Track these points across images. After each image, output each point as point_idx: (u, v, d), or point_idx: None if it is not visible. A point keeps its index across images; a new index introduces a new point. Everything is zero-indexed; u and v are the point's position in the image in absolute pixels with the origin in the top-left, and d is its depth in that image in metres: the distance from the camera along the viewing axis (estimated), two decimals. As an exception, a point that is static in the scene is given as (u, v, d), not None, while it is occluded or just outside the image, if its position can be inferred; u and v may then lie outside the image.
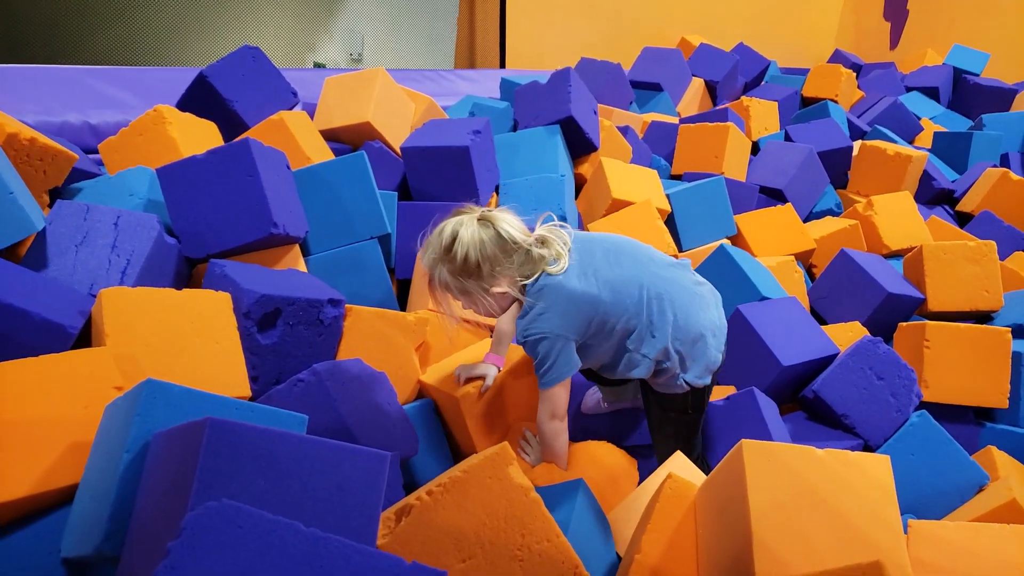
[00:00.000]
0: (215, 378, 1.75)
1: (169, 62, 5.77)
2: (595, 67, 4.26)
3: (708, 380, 1.81)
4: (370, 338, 2.07)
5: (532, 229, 1.77)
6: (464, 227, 1.68)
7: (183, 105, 2.73)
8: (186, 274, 2.14)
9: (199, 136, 2.51)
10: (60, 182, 2.15)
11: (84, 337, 1.75)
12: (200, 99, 2.74)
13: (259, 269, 2.04)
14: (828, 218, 3.44)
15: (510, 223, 1.72)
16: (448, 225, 1.70)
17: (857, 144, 4.01)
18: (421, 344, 2.21)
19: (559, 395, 1.78)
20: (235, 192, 2.07)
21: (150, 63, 5.17)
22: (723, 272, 2.57)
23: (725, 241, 3.10)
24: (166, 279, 2.03)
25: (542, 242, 1.73)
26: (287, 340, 1.95)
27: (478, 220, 1.70)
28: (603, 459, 1.89)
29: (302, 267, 2.27)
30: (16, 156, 1.95)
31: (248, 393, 1.77)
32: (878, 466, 1.23)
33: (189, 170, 2.10)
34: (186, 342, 1.75)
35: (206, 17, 6.09)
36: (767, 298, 2.47)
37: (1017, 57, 5.50)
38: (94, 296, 1.85)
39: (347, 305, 2.09)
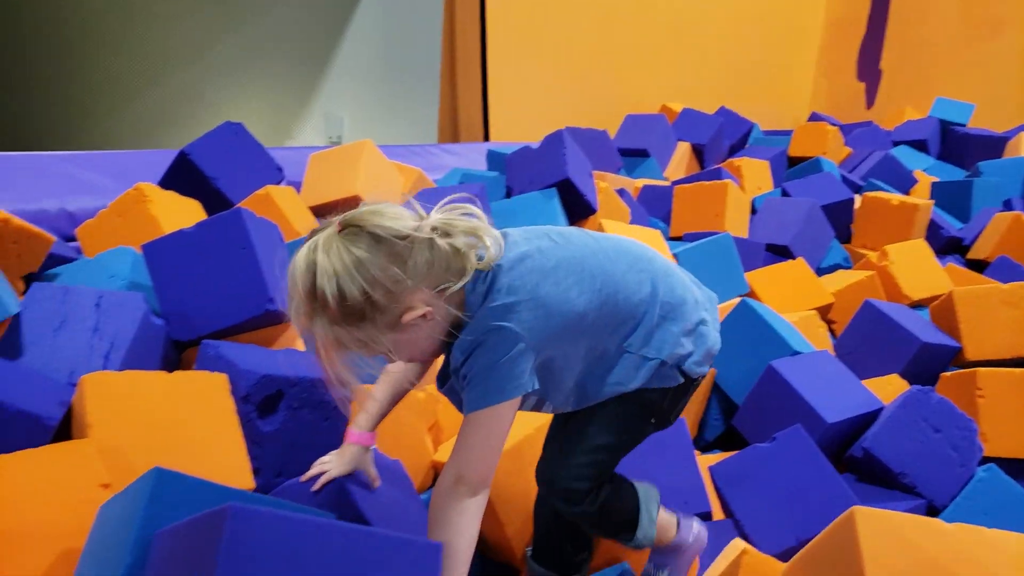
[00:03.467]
0: (214, 470, 1.55)
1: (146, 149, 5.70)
2: (581, 135, 4.21)
3: (707, 369, 1.42)
4: (380, 418, 1.89)
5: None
6: (320, 251, 1.14)
7: (165, 185, 2.59)
8: (174, 359, 1.97)
9: (182, 214, 2.37)
10: (36, 267, 2.00)
11: (64, 430, 1.57)
12: (182, 178, 2.61)
13: (256, 349, 1.86)
14: (841, 271, 3.33)
15: (386, 215, 1.16)
16: (299, 258, 1.16)
17: (857, 198, 3.95)
18: (433, 424, 2.03)
19: (495, 432, 1.21)
20: (227, 266, 1.91)
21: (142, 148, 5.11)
22: (747, 328, 2.42)
23: (737, 299, 2.98)
24: (153, 364, 1.85)
25: (444, 232, 1.18)
26: (290, 426, 1.76)
27: (338, 233, 1.15)
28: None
29: (300, 346, 2.10)
30: (-12, 238, 1.79)
31: (252, 485, 1.59)
32: (1015, 544, 1.06)
33: (177, 245, 1.94)
34: (180, 431, 1.57)
35: (183, 107, 6.06)
36: (798, 353, 2.32)
37: (1001, 106, 5.56)
38: (74, 385, 1.67)
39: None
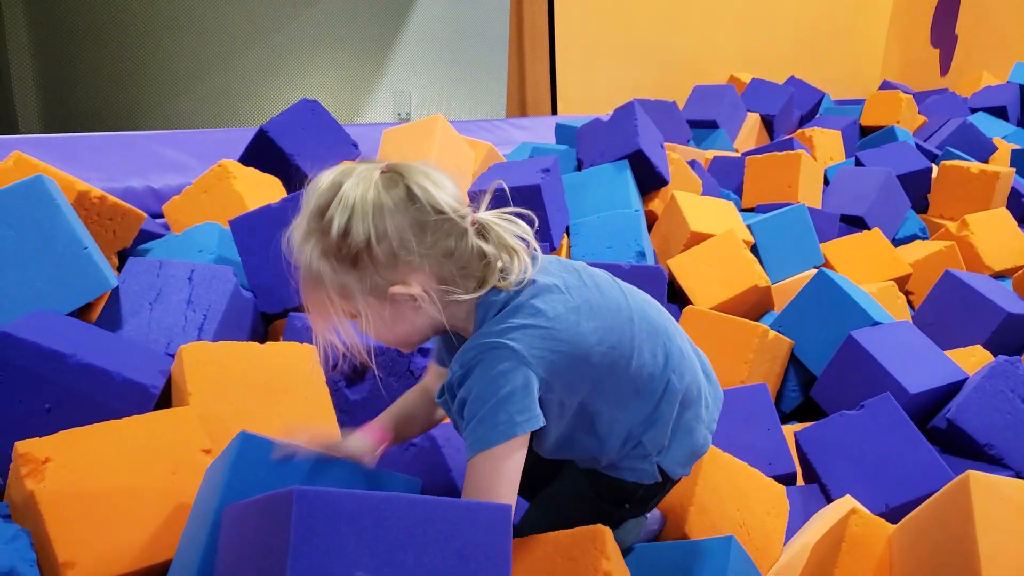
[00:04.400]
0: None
1: (221, 126, 5.84)
2: (649, 107, 4.15)
3: (688, 471, 1.29)
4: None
5: None
6: (353, 178, 1.05)
7: (245, 162, 2.65)
8: (262, 331, 2.03)
9: (264, 190, 2.43)
10: (129, 243, 2.07)
11: (163, 398, 1.63)
12: (261, 155, 2.66)
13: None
14: (918, 242, 3.25)
15: (434, 180, 1.07)
16: (327, 174, 1.08)
17: (934, 167, 3.84)
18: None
19: (505, 472, 1.07)
20: (312, 239, 1.95)
21: (210, 127, 5.24)
22: (825, 299, 2.39)
23: (812, 270, 2.93)
24: (242, 335, 1.92)
25: (481, 233, 1.10)
26: (377, 394, 1.80)
27: (381, 172, 1.07)
28: (743, 486, 1.60)
29: (381, 317, 2.14)
30: (87, 215, 1.86)
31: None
32: None
33: (263, 220, 1.99)
34: (274, 399, 1.61)
35: (255, 84, 6.19)
36: (878, 323, 2.28)
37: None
38: (171, 355, 1.73)
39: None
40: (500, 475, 1.07)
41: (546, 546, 1.18)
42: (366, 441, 1.25)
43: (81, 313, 1.77)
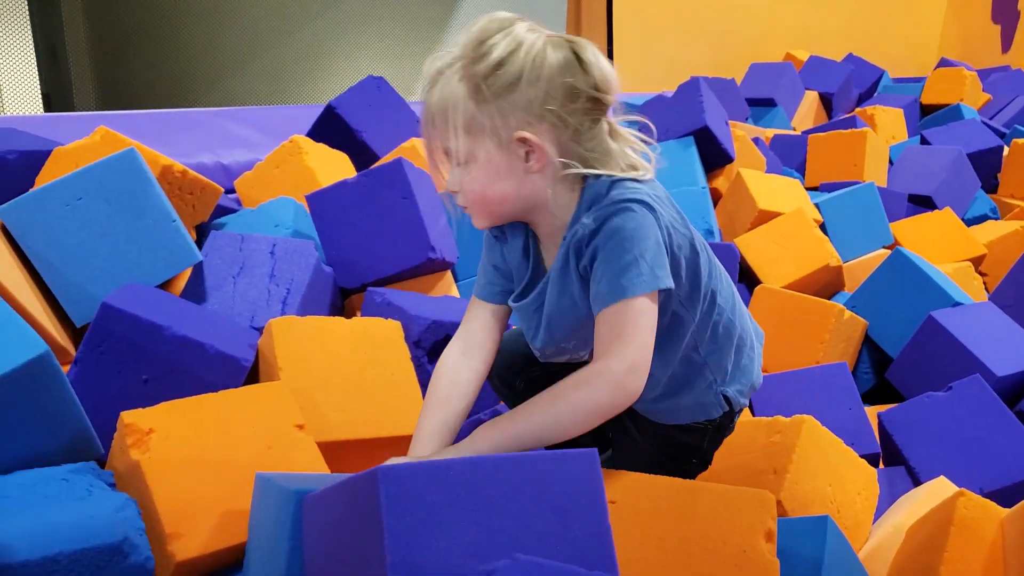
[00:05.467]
0: (393, 411, 1.60)
1: (277, 103, 5.87)
2: (709, 84, 4.10)
3: (746, 402, 1.31)
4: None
5: None
6: (526, 27, 1.06)
7: (313, 138, 2.65)
8: (339, 305, 2.03)
9: (334, 166, 2.43)
10: (207, 217, 2.08)
11: (252, 371, 1.64)
12: (328, 131, 2.67)
13: (420, 296, 1.91)
14: (990, 222, 3.18)
15: (602, 59, 1.07)
16: (499, 14, 1.06)
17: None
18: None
19: (648, 321, 1.05)
20: (390, 216, 1.96)
21: (266, 103, 5.26)
22: (901, 279, 2.34)
23: (883, 250, 2.88)
24: (323, 309, 1.93)
25: (611, 133, 1.10)
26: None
27: (547, 36, 1.06)
28: (837, 462, 1.55)
29: (455, 293, 2.14)
30: (169, 189, 1.88)
31: (431, 427, 1.62)
32: None
33: (340, 195, 2.00)
34: (362, 374, 1.62)
35: (309, 60, 6.21)
36: (959, 304, 2.23)
37: None
38: (255, 328, 1.74)
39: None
40: (641, 323, 1.05)
41: (710, 496, 1.16)
42: None
43: (165, 286, 1.79)
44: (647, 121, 1.17)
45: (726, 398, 1.25)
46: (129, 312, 1.42)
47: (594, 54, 1.06)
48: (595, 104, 1.06)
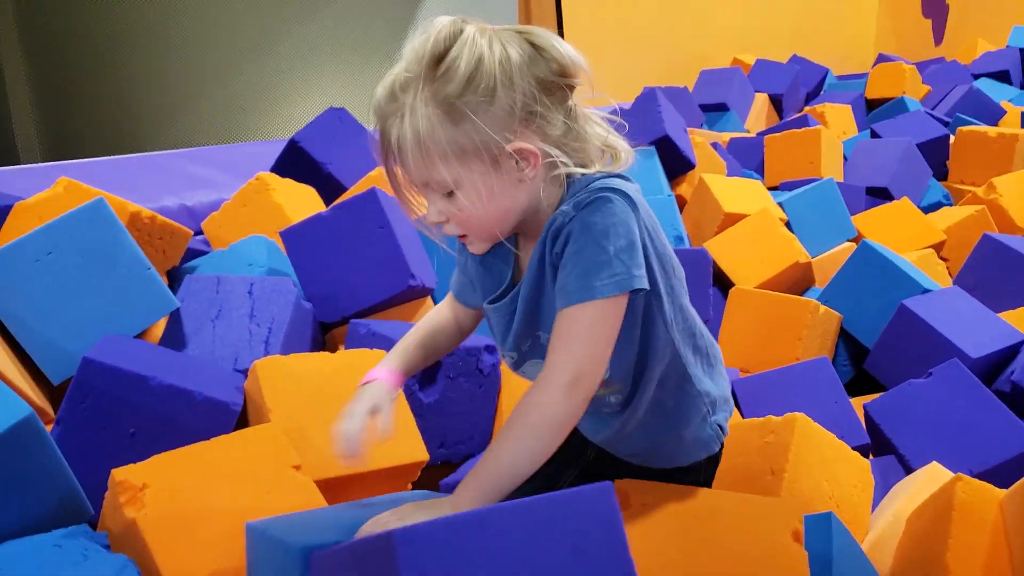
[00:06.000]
0: (390, 444, 1.58)
1: (228, 141, 5.81)
2: (663, 94, 4.16)
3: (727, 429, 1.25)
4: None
5: None
6: (473, 25, 0.97)
7: (277, 173, 2.63)
8: (320, 340, 2.01)
9: (302, 201, 2.41)
10: (177, 261, 2.06)
11: (240, 415, 1.61)
12: (292, 166, 2.65)
13: (404, 325, 1.89)
14: (945, 208, 3.26)
15: (558, 40, 1.00)
16: (439, 22, 0.97)
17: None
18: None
19: (610, 328, 0.99)
20: (367, 247, 1.95)
21: (219, 142, 5.20)
22: (870, 270, 2.38)
23: (848, 243, 2.93)
24: (304, 345, 1.90)
25: (585, 115, 1.04)
26: (449, 395, 1.79)
27: (498, 32, 0.99)
28: (832, 457, 1.57)
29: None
30: (139, 236, 1.84)
31: (426, 456, 1.61)
32: None
33: (315, 229, 1.98)
34: (352, 408, 1.59)
35: (263, 95, 6.16)
36: (928, 291, 2.28)
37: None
38: (239, 371, 1.72)
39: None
40: (602, 329, 0.98)
41: (735, 502, 1.16)
42: (384, 389, 1.16)
43: (143, 336, 1.75)
44: (614, 104, 1.13)
45: (720, 427, 1.20)
46: (111, 365, 1.39)
47: (549, 39, 0.99)
48: (565, 90, 1.00)
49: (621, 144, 1.06)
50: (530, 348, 1.11)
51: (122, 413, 1.42)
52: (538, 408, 0.99)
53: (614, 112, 1.10)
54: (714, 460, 1.24)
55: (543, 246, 1.02)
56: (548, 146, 0.99)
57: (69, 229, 1.59)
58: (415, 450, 1.60)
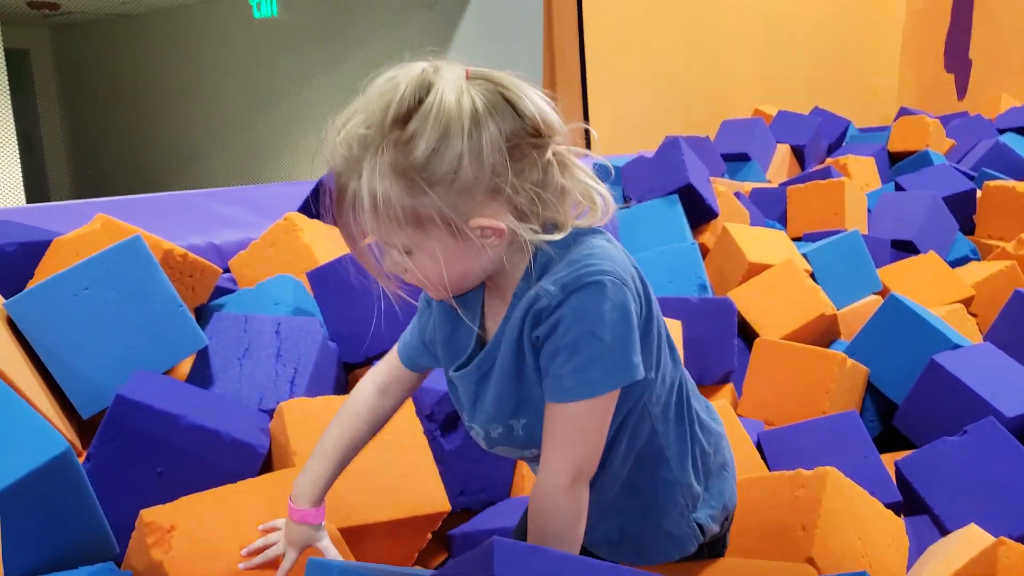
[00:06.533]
0: (411, 490, 1.57)
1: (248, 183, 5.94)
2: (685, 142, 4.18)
3: (718, 529, 1.16)
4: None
5: None
6: (444, 76, 0.88)
7: (303, 214, 2.65)
8: (343, 380, 2.01)
9: (329, 242, 2.42)
10: (206, 299, 2.06)
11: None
12: (319, 206, 2.66)
13: (429, 367, 1.89)
14: (973, 263, 3.23)
15: (531, 92, 0.91)
16: (405, 74, 0.89)
17: (974, 188, 3.84)
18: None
19: (605, 422, 0.96)
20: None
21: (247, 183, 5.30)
22: (899, 324, 2.35)
23: (873, 296, 2.91)
24: (328, 386, 1.90)
25: (562, 164, 0.94)
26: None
27: (468, 77, 0.90)
28: (865, 514, 1.53)
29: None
30: (171, 273, 1.86)
31: (448, 507, 1.59)
32: None
33: (341, 271, 1.98)
34: (376, 454, 1.57)
35: (286, 138, 6.25)
36: (958, 346, 2.25)
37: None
38: (264, 410, 1.71)
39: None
40: (599, 424, 0.95)
41: (751, 570, 1.14)
42: (310, 529, 1.18)
43: (171, 372, 1.76)
44: (604, 162, 1.06)
45: (700, 527, 1.12)
46: (143, 403, 1.39)
47: (523, 97, 0.90)
48: (540, 148, 0.91)
49: (602, 195, 0.97)
50: (501, 435, 1.05)
51: (151, 451, 1.42)
52: (550, 516, 0.97)
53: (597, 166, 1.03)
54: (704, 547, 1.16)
55: (521, 324, 0.96)
56: (514, 221, 0.92)
57: (106, 265, 1.60)
58: (437, 501, 1.59)
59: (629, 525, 1.11)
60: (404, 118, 0.87)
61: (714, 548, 1.19)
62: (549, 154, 0.92)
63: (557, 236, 0.94)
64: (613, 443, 1.03)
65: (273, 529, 1.24)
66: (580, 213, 0.97)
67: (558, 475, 0.95)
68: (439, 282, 0.95)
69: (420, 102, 0.87)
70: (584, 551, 1.08)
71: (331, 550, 1.19)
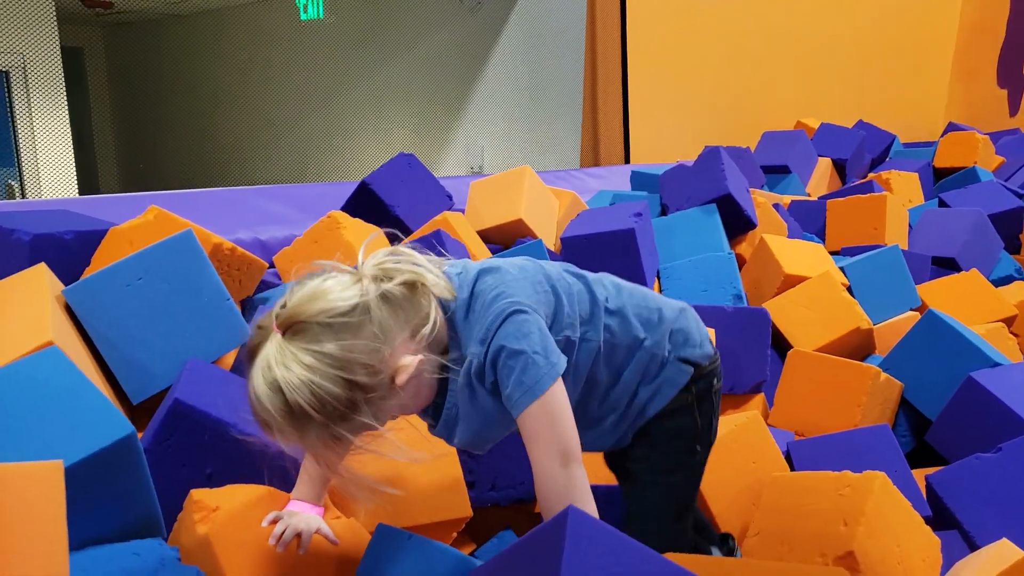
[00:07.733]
0: (440, 495, 1.62)
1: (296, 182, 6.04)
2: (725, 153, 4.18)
3: (710, 349, 1.36)
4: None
5: None
6: (276, 366, 1.03)
7: (346, 213, 2.72)
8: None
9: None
10: (252, 292, 2.12)
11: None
12: (362, 206, 2.73)
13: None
14: (1017, 283, 3.19)
15: (320, 296, 1.06)
16: (258, 382, 1.05)
17: (1020, 206, 3.78)
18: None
19: (562, 409, 1.13)
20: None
21: (290, 182, 5.41)
22: (936, 340, 2.34)
23: (911, 312, 2.90)
24: (367, 383, 1.94)
25: (386, 277, 1.10)
26: (490, 453, 1.80)
27: (283, 337, 1.05)
28: (904, 523, 1.55)
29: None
30: (219, 266, 1.92)
31: (469, 513, 1.63)
32: None
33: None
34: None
35: (331, 141, 6.34)
36: (997, 364, 2.24)
37: None
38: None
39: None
40: (561, 416, 1.14)
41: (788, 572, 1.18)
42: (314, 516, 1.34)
43: (216, 362, 1.81)
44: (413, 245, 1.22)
45: (685, 360, 1.31)
46: (200, 409, 1.44)
47: (313, 311, 1.05)
48: (367, 305, 1.07)
49: (429, 271, 1.15)
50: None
51: (202, 455, 1.47)
52: (555, 497, 1.13)
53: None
54: (698, 399, 1.33)
55: (468, 383, 1.17)
56: (412, 344, 1.11)
57: (159, 257, 1.67)
58: (460, 507, 1.63)
59: (632, 398, 1.31)
60: (289, 411, 1.05)
61: (707, 380, 1.35)
62: (373, 292, 1.08)
63: (434, 318, 1.12)
64: (591, 387, 1.27)
65: (278, 519, 1.33)
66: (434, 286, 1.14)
67: (547, 465, 1.14)
68: (420, 408, 1.21)
69: (282, 393, 1.04)
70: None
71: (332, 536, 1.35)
